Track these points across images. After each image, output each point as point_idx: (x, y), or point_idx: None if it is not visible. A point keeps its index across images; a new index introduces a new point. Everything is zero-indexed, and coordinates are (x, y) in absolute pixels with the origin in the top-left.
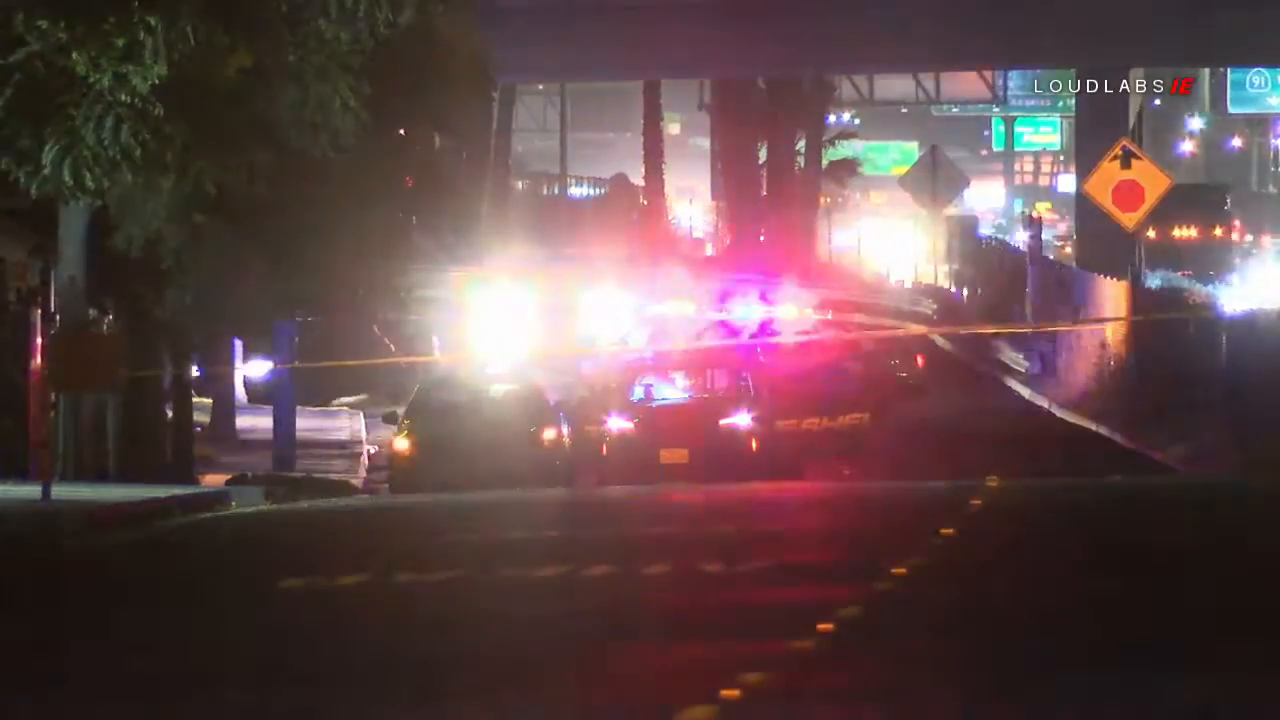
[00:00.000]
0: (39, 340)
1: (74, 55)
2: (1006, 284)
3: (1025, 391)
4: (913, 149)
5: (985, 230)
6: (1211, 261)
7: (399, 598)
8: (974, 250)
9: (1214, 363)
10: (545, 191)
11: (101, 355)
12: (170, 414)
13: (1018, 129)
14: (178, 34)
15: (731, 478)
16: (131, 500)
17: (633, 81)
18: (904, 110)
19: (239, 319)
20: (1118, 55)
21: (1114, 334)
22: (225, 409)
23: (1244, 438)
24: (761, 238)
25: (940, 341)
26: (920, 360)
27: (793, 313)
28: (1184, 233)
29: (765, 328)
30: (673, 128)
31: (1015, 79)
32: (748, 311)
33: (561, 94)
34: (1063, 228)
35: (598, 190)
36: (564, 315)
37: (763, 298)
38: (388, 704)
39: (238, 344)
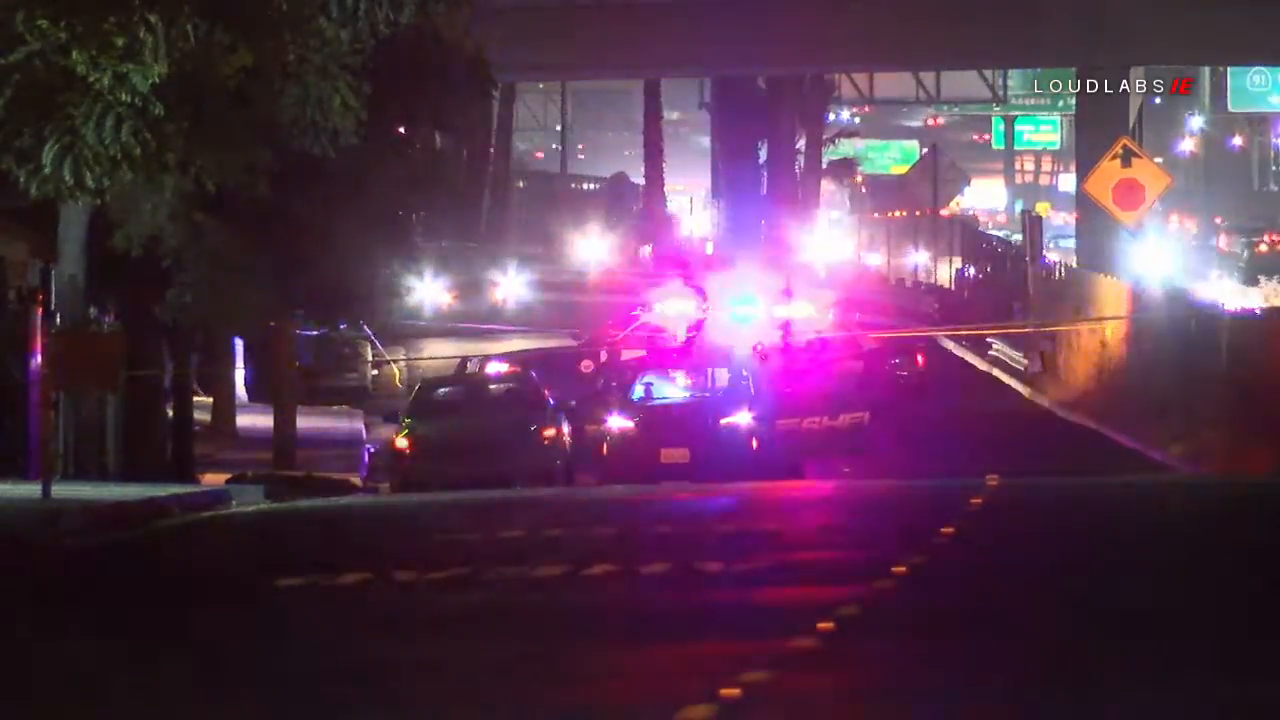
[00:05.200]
0: (39, 339)
1: (74, 54)
2: (1007, 282)
3: (1025, 390)
4: (913, 148)
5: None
6: None
7: (399, 596)
8: (976, 249)
9: (1215, 362)
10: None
11: (101, 354)
12: (170, 413)
13: (1018, 128)
14: (178, 33)
15: (732, 477)
16: (131, 499)
17: (633, 80)
18: (905, 109)
19: (239, 319)
20: (1118, 55)
21: (1114, 333)
22: (225, 408)
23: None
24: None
25: (949, 345)
26: (921, 359)
27: (808, 311)
28: None
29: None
30: (673, 126)
31: (1015, 78)
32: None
33: (562, 93)
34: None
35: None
36: None
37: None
38: (386, 703)
39: (238, 344)
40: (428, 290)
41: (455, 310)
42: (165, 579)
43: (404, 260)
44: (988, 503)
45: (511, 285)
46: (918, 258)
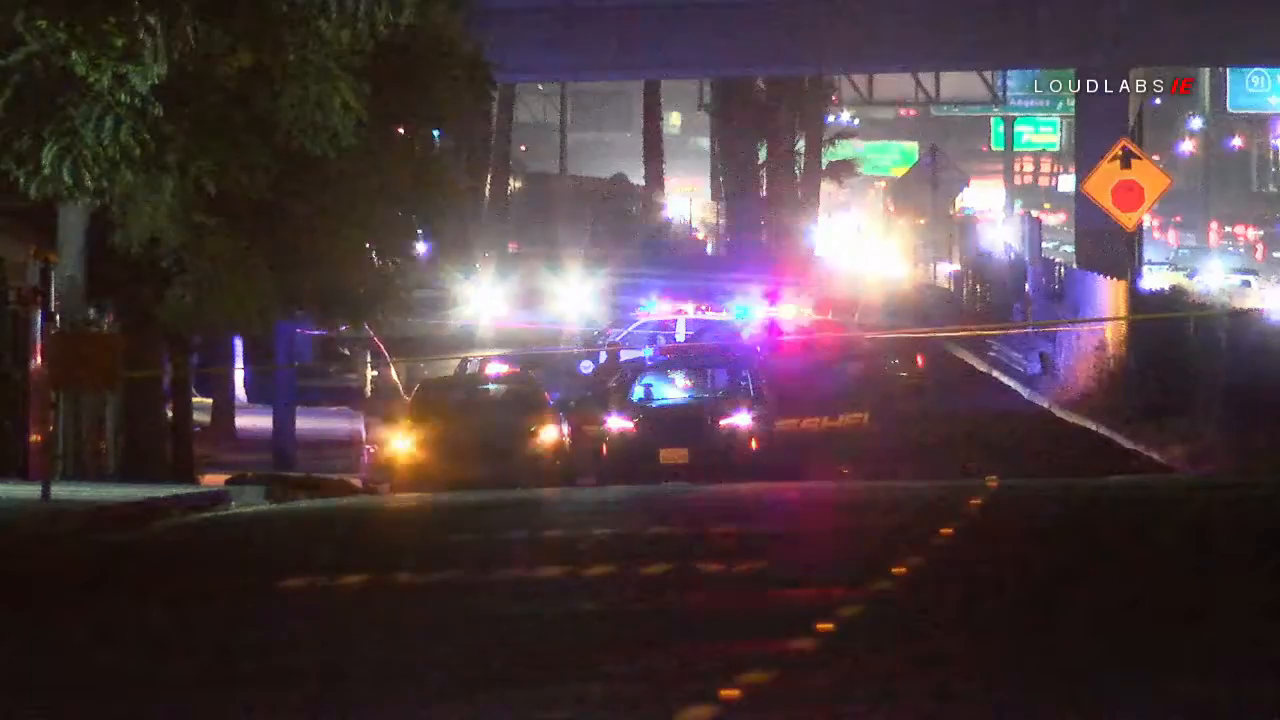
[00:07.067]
0: (39, 339)
1: (74, 55)
2: (1006, 283)
3: (1025, 391)
4: (913, 149)
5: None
6: None
7: (398, 598)
8: (975, 250)
9: (1214, 362)
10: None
11: (101, 355)
12: (170, 413)
13: (1018, 129)
14: (178, 34)
15: (731, 478)
16: (131, 499)
17: (632, 81)
18: (904, 110)
19: (239, 319)
20: (1117, 55)
21: (1113, 334)
22: (225, 408)
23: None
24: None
25: (949, 345)
26: (920, 360)
27: (796, 312)
28: None
29: (772, 329)
30: (673, 127)
31: (1015, 79)
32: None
33: (562, 94)
34: None
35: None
36: None
37: (767, 297)
38: (386, 703)
39: (238, 344)
40: (485, 299)
41: (512, 319)
42: (165, 579)
43: (404, 261)
44: (987, 504)
45: (574, 295)
46: (920, 259)
